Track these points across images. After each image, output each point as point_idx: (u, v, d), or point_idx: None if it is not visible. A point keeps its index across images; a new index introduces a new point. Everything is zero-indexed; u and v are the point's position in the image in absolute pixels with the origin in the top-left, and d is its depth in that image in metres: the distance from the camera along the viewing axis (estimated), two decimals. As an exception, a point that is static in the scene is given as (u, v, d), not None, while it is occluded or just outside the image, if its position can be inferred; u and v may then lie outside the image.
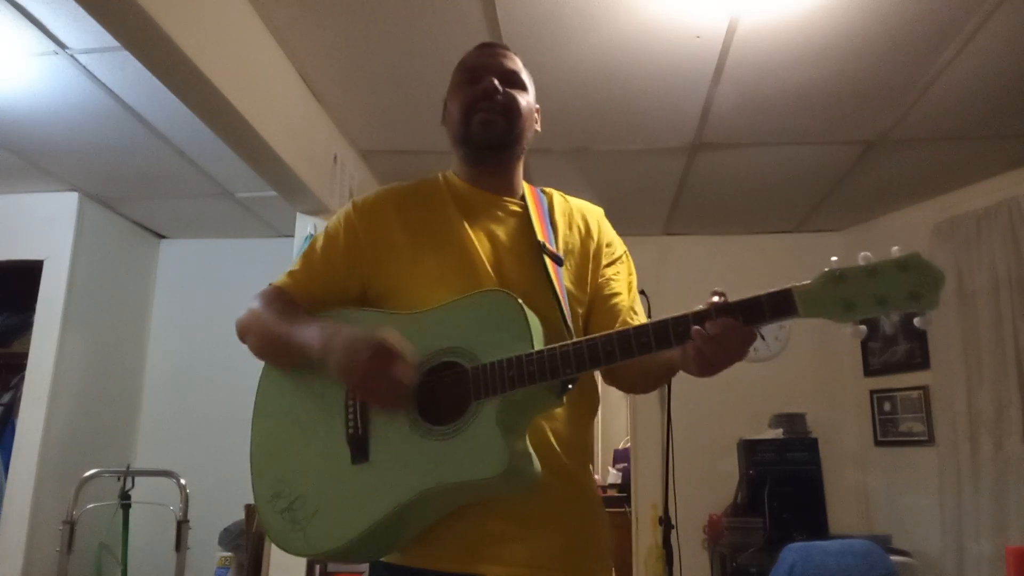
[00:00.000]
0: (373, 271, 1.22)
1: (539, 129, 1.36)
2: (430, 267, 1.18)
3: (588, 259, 1.27)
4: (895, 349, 3.87)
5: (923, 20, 2.33)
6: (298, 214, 3.09)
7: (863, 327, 0.92)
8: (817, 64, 2.58)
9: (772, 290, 0.94)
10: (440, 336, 1.08)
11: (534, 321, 1.06)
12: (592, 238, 1.30)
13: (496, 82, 1.24)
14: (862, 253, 0.92)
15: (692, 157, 3.35)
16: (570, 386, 1.06)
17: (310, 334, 1.11)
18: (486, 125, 1.23)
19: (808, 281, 0.93)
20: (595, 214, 1.35)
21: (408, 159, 3.37)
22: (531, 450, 1.04)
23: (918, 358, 3.72)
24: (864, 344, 4.02)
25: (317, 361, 1.09)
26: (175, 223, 4.28)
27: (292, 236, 3.11)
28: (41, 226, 3.69)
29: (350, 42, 2.53)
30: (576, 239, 1.28)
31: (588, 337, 1.01)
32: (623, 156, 3.35)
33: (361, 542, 1.05)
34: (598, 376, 1.26)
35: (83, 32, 2.35)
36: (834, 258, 0.93)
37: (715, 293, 0.97)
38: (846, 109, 2.89)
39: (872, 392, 3.93)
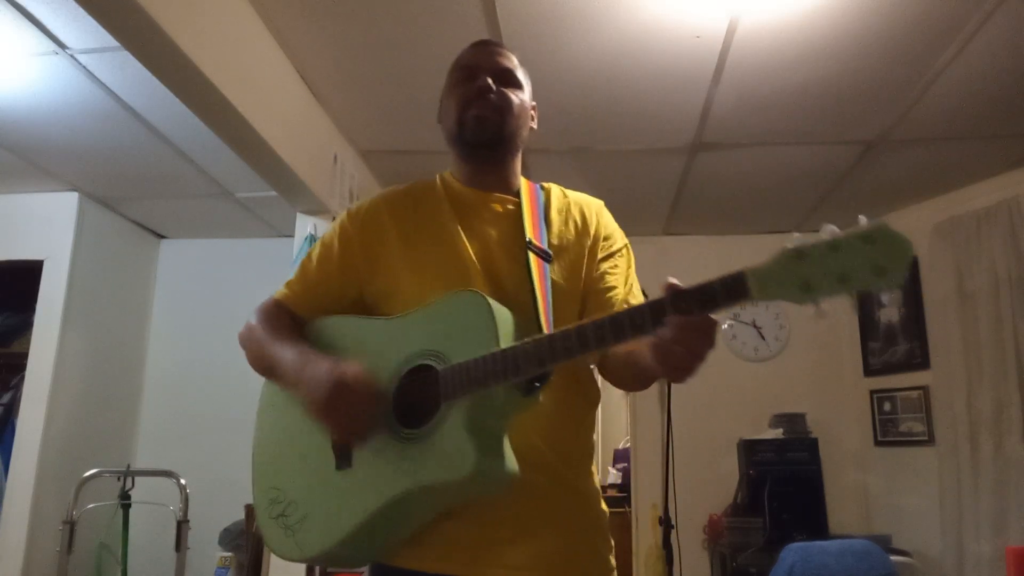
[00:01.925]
0: (368, 276, 1.23)
1: (535, 127, 1.35)
2: (422, 269, 1.19)
3: (583, 254, 1.25)
4: (895, 349, 3.87)
5: (923, 20, 2.33)
6: (298, 214, 3.09)
7: (824, 306, 0.83)
8: (817, 64, 2.58)
9: (725, 274, 0.87)
10: (416, 339, 1.09)
11: (503, 319, 1.04)
12: (588, 232, 1.28)
13: (490, 80, 1.25)
14: (826, 225, 0.83)
15: (692, 157, 3.35)
16: (537, 384, 1.03)
17: (287, 365, 1.14)
18: (479, 121, 1.24)
19: (764, 261, 0.84)
20: (593, 207, 1.33)
21: (408, 159, 3.37)
22: (506, 450, 1.03)
23: (918, 358, 3.72)
24: (864, 344, 4.03)
25: (293, 392, 1.13)
26: (175, 223, 4.28)
27: (292, 236, 3.11)
28: (41, 226, 3.69)
29: (350, 42, 2.53)
30: (571, 234, 1.27)
31: (549, 334, 0.99)
32: (623, 156, 3.35)
33: (345, 546, 1.07)
34: (597, 371, 1.25)
35: (83, 32, 2.35)
36: (796, 234, 0.84)
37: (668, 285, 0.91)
38: (846, 109, 2.89)
39: (872, 392, 3.93)
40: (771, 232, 4.21)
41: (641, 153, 3.33)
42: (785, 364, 4.11)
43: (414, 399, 1.06)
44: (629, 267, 1.31)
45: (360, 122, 3.09)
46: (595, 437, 1.31)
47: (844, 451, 3.93)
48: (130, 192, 3.77)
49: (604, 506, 1.22)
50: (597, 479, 1.24)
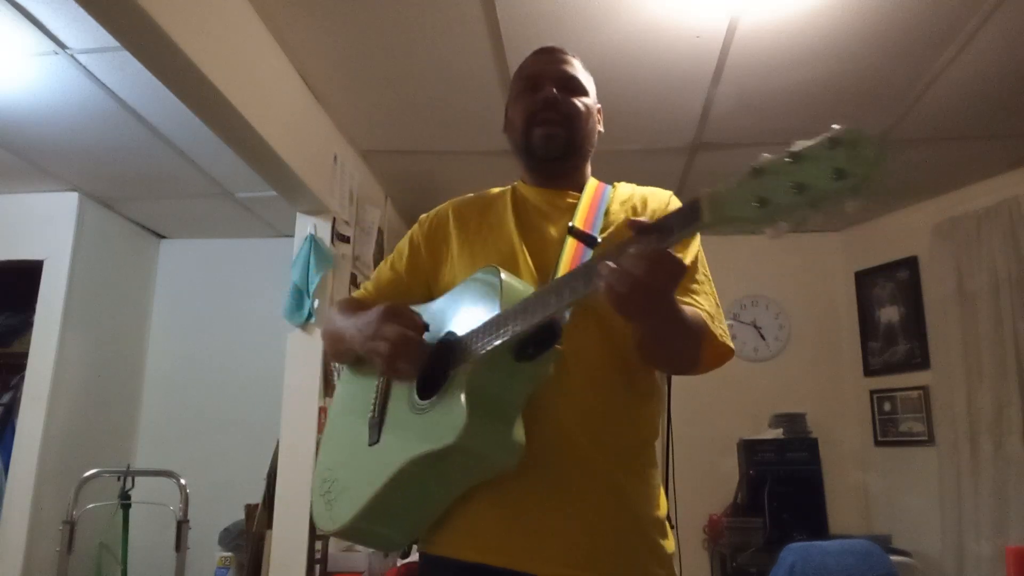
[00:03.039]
0: (434, 277, 1.31)
1: (602, 129, 1.37)
2: (472, 264, 1.22)
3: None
4: (895, 349, 3.87)
5: (923, 20, 2.33)
6: (298, 214, 3.09)
7: (783, 224, 0.74)
8: (817, 64, 2.58)
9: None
10: (444, 319, 1.14)
11: (511, 290, 1.04)
12: (645, 216, 1.27)
13: (555, 91, 1.26)
14: (797, 141, 0.74)
15: (692, 157, 3.35)
16: (532, 351, 1.02)
17: (349, 325, 1.23)
18: (547, 139, 1.26)
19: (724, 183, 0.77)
20: (659, 197, 1.31)
21: (408, 159, 3.37)
22: (513, 423, 1.02)
23: (918, 358, 3.72)
24: (864, 344, 4.03)
25: (356, 346, 1.19)
26: (175, 223, 4.28)
27: (292, 236, 3.10)
28: (41, 226, 3.69)
29: (350, 42, 2.53)
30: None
31: (535, 290, 1.02)
32: (623, 156, 3.35)
33: (366, 518, 1.09)
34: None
35: (83, 32, 2.35)
36: (765, 154, 0.76)
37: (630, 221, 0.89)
38: (846, 109, 2.89)
39: (872, 392, 3.93)
40: (771, 232, 4.21)
41: (641, 153, 3.33)
42: (785, 364, 4.11)
43: (436, 375, 1.09)
44: (688, 250, 1.23)
45: (360, 122, 3.09)
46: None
47: (844, 451, 3.93)
48: (130, 192, 3.77)
49: (659, 512, 1.15)
50: (658, 480, 1.18)
